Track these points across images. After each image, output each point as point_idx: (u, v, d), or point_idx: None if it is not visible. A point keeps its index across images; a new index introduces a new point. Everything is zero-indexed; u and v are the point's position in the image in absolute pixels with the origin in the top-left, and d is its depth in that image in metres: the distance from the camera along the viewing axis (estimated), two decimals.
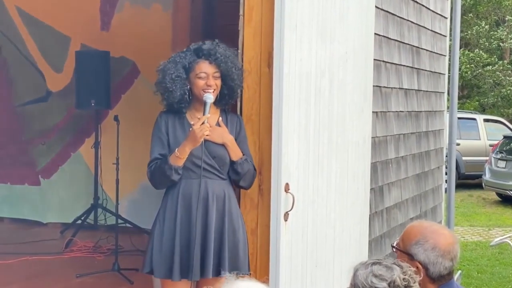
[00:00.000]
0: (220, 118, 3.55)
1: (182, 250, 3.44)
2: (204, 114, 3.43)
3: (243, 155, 3.52)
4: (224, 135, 3.51)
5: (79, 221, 6.67)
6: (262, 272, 3.55)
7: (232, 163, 3.50)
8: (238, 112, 3.63)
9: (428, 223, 2.71)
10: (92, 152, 6.78)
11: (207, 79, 3.48)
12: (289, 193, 3.50)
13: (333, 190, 4.05)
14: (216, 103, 3.54)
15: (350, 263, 2.37)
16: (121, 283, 5.29)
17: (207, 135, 3.43)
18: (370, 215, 4.76)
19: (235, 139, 3.54)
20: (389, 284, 2.20)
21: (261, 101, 3.59)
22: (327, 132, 3.93)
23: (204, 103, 3.45)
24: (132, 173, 6.27)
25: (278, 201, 3.46)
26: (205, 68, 3.49)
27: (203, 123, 3.40)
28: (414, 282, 2.24)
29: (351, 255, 4.28)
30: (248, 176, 3.53)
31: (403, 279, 2.21)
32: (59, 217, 7.09)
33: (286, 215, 3.50)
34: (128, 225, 6.50)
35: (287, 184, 3.49)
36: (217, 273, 3.45)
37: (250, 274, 3.51)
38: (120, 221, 6.11)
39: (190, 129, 3.43)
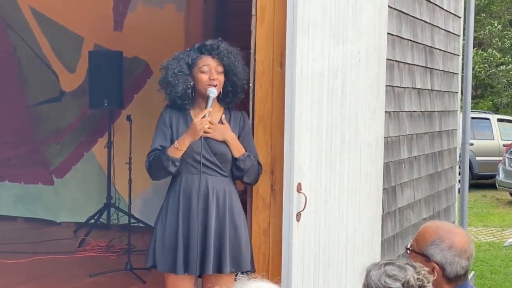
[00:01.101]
0: (223, 116, 3.58)
1: (184, 246, 3.48)
2: (206, 108, 3.47)
3: (246, 151, 3.53)
4: (225, 132, 3.53)
5: (92, 221, 6.69)
6: (274, 272, 3.55)
7: (235, 159, 3.52)
8: (250, 112, 3.63)
9: (442, 223, 2.70)
10: (105, 152, 6.80)
11: (210, 73, 3.51)
12: (302, 193, 3.49)
13: (345, 190, 4.04)
14: (220, 100, 3.57)
15: (363, 263, 2.37)
16: (133, 283, 5.31)
17: (208, 132, 3.47)
18: (382, 215, 4.75)
19: (239, 135, 3.57)
20: (403, 284, 2.19)
21: (274, 101, 3.59)
22: (339, 132, 3.92)
23: (207, 97, 3.49)
24: (145, 172, 6.21)
25: (291, 201, 3.46)
26: (208, 61, 3.53)
27: (204, 116, 3.43)
28: (428, 282, 2.23)
29: (364, 255, 4.27)
30: (252, 172, 3.55)
31: (417, 279, 2.21)
32: (72, 217, 7.12)
33: (298, 215, 3.49)
34: (140, 224, 6.52)
35: (299, 184, 3.49)
36: (219, 269, 3.48)
37: (255, 271, 3.54)
38: (132, 220, 6.13)
39: (192, 122, 3.47)
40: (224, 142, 3.52)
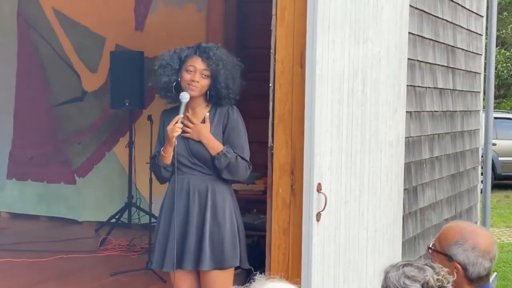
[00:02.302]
0: (207, 114, 3.64)
1: (164, 243, 3.63)
2: (178, 113, 3.56)
3: (223, 149, 3.61)
4: (201, 132, 3.62)
5: (114, 220, 6.73)
6: (294, 272, 3.54)
7: (212, 158, 3.61)
8: (270, 112, 3.63)
9: (465, 223, 2.68)
10: (126, 152, 6.84)
11: (193, 74, 3.56)
12: (322, 193, 3.49)
13: (366, 190, 4.03)
14: (208, 98, 3.66)
15: (383, 264, 2.36)
16: (154, 282, 5.33)
17: (187, 132, 3.59)
18: (403, 215, 4.72)
19: (223, 132, 3.64)
20: (422, 285, 2.18)
21: (294, 101, 3.58)
22: (360, 132, 3.91)
23: (180, 103, 3.57)
24: None
25: (310, 201, 3.45)
26: (196, 63, 3.60)
27: (176, 122, 3.53)
28: (448, 283, 2.22)
29: (384, 256, 4.25)
30: (230, 169, 3.63)
31: (437, 279, 2.19)
32: (94, 216, 7.17)
33: (318, 215, 3.48)
34: None
35: (319, 184, 3.48)
36: (197, 265, 3.62)
37: (249, 267, 3.66)
38: (153, 220, 6.15)
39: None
40: (201, 142, 3.61)
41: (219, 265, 3.62)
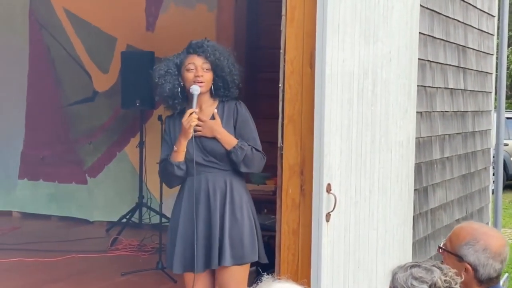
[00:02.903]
0: (216, 110, 3.62)
1: (188, 245, 3.57)
2: (192, 107, 3.53)
3: (237, 142, 3.59)
4: (213, 128, 3.59)
5: (124, 220, 6.75)
6: (304, 273, 3.54)
7: (228, 153, 3.59)
8: (280, 112, 3.63)
9: (478, 224, 2.67)
10: (137, 152, 6.86)
11: (195, 70, 3.56)
12: (331, 193, 3.48)
13: (376, 190, 4.02)
14: (214, 95, 3.64)
15: (394, 264, 2.35)
16: (164, 282, 5.34)
17: (199, 130, 3.55)
18: (414, 216, 4.71)
19: (234, 126, 3.63)
20: (430, 286, 2.17)
21: (303, 101, 3.58)
22: (370, 133, 3.90)
23: (191, 96, 3.55)
24: None
25: (320, 202, 3.45)
26: (193, 60, 3.59)
27: (190, 114, 3.49)
28: (456, 284, 2.21)
29: (395, 256, 4.24)
30: (247, 162, 3.62)
31: (445, 280, 2.19)
32: (105, 216, 7.20)
33: (328, 216, 3.48)
34: None
35: (329, 184, 3.48)
36: (220, 263, 3.58)
37: (267, 262, 3.65)
38: (164, 220, 6.16)
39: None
40: (214, 138, 3.59)
41: (239, 260, 3.60)
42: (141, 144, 6.75)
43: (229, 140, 3.59)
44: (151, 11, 7.12)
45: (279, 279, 1.72)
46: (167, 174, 3.64)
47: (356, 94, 3.73)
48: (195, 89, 3.55)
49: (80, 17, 7.33)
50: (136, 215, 6.86)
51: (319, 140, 3.45)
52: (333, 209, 3.48)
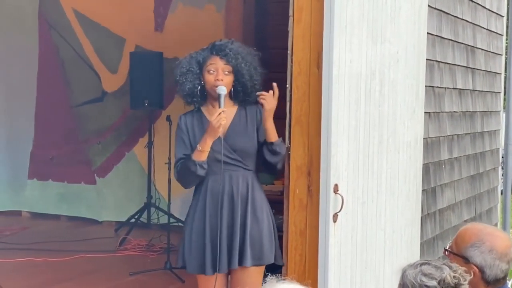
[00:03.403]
0: (275, 84, 3.55)
1: (213, 246, 3.52)
2: (219, 107, 3.49)
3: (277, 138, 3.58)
4: (272, 110, 3.54)
5: (133, 220, 6.77)
6: (311, 273, 3.55)
7: (271, 144, 3.55)
8: (287, 113, 3.64)
9: (482, 225, 2.67)
10: (145, 152, 6.88)
11: (216, 73, 3.54)
12: (338, 194, 3.48)
13: (383, 191, 4.02)
14: (233, 99, 3.61)
15: (401, 265, 2.36)
16: (173, 282, 5.36)
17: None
18: (422, 216, 4.70)
19: (257, 128, 3.60)
20: (439, 282, 2.18)
21: (311, 102, 3.58)
22: (377, 133, 3.90)
23: (218, 96, 3.52)
24: None
25: (327, 202, 3.46)
26: (215, 62, 3.57)
27: (219, 114, 3.45)
28: (465, 281, 2.22)
29: (402, 257, 4.23)
30: (282, 158, 3.61)
31: (454, 277, 2.19)
32: (114, 216, 7.22)
33: (335, 216, 3.48)
34: (180, 224, 6.55)
35: (336, 185, 3.48)
36: (241, 263, 3.53)
37: (283, 265, 3.60)
38: (172, 220, 6.19)
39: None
40: (242, 137, 3.57)
41: (258, 261, 3.56)
42: (150, 144, 6.77)
43: (275, 131, 3.57)
44: (160, 11, 7.13)
45: (284, 279, 1.73)
46: (188, 174, 3.55)
47: (364, 95, 3.73)
48: (222, 89, 3.51)
49: (89, 17, 7.35)
50: (145, 215, 6.88)
51: (326, 141, 3.46)
52: (340, 209, 3.49)
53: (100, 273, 5.62)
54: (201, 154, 3.50)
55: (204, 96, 3.62)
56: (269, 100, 3.54)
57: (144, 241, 6.43)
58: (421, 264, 2.25)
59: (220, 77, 3.54)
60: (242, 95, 3.62)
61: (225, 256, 3.52)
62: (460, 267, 2.26)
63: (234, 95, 3.61)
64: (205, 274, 3.54)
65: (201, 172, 3.51)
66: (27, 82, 7.59)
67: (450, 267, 2.23)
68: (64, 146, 7.52)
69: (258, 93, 3.56)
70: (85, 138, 7.47)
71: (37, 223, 7.27)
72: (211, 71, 3.56)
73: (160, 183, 6.60)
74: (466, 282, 2.21)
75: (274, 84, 3.55)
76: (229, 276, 3.66)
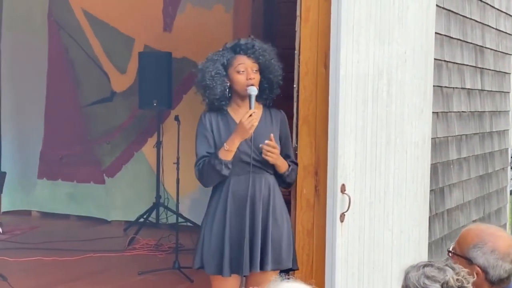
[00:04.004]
0: (272, 135, 3.50)
1: (232, 247, 3.47)
2: (250, 108, 3.44)
3: (288, 163, 3.53)
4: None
5: (142, 219, 6.79)
6: (318, 273, 3.55)
7: (280, 175, 3.52)
8: (295, 113, 3.64)
9: (485, 225, 2.66)
10: (154, 152, 6.90)
11: (246, 73, 3.49)
12: (346, 194, 3.49)
13: (391, 191, 4.02)
14: (257, 98, 3.53)
15: (409, 265, 2.35)
16: (181, 281, 5.37)
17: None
18: (430, 217, 4.70)
19: (280, 137, 3.55)
20: (442, 285, 2.18)
21: (318, 102, 3.59)
22: (385, 133, 3.90)
23: (249, 96, 3.47)
24: (193, 172, 6.35)
25: (334, 202, 3.46)
26: (244, 61, 3.50)
27: (250, 115, 3.40)
28: (468, 283, 2.21)
29: (410, 257, 4.23)
30: (295, 179, 3.59)
31: (457, 279, 2.19)
32: (123, 215, 7.24)
33: (342, 216, 3.49)
34: (189, 224, 6.59)
35: (343, 185, 3.48)
36: (261, 268, 3.48)
37: (298, 269, 3.55)
38: (181, 219, 6.20)
39: (239, 122, 3.44)
40: (269, 139, 3.50)
41: (277, 265, 3.50)
42: (158, 144, 6.79)
43: (284, 163, 3.53)
44: (169, 12, 7.15)
45: (288, 278, 1.73)
46: (211, 172, 3.46)
47: (371, 95, 3.73)
48: (253, 90, 3.46)
49: (98, 18, 7.38)
50: (153, 214, 6.90)
51: (333, 141, 3.46)
52: (348, 209, 3.49)
53: (108, 273, 5.64)
54: (228, 154, 3.43)
55: (229, 97, 3.56)
56: (275, 156, 3.49)
57: (153, 240, 6.45)
58: (424, 266, 2.24)
59: (251, 76, 3.48)
60: (267, 92, 3.57)
61: (247, 259, 3.47)
62: (463, 269, 2.26)
63: (259, 94, 3.53)
64: (223, 275, 3.48)
65: (226, 172, 3.44)
66: (37, 82, 7.62)
67: (454, 269, 2.23)
68: (73, 146, 7.55)
69: (261, 145, 3.46)
70: (94, 138, 7.50)
71: (47, 223, 7.30)
72: (241, 71, 3.50)
73: (169, 183, 6.62)
74: (470, 284, 2.21)
75: (271, 135, 3.47)
76: (243, 278, 3.61)
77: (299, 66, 3.63)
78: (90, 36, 7.46)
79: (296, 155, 3.64)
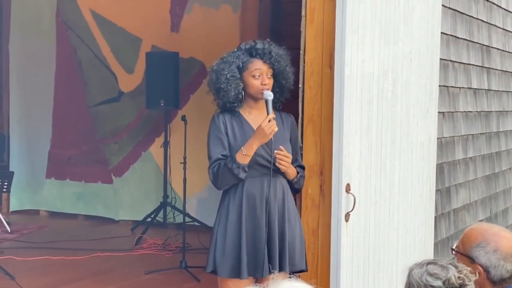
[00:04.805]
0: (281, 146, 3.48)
1: (249, 249, 3.44)
2: (268, 112, 3.40)
3: (297, 169, 3.51)
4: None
5: (149, 219, 6.82)
6: (323, 272, 3.57)
7: (289, 182, 3.50)
8: (300, 113, 3.65)
9: (489, 225, 2.67)
10: (161, 151, 6.93)
11: (261, 78, 3.46)
12: (350, 193, 3.50)
13: (396, 191, 4.02)
14: None
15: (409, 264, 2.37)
16: (188, 280, 5.39)
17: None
18: (436, 216, 4.70)
19: (290, 139, 3.53)
20: (444, 283, 2.19)
21: (323, 102, 3.60)
22: (390, 133, 3.91)
23: (265, 101, 3.43)
24: (201, 172, 6.33)
25: (339, 202, 3.47)
26: (260, 67, 3.46)
27: (269, 120, 3.37)
28: (470, 281, 2.23)
29: (416, 256, 4.23)
30: (301, 184, 3.57)
31: (458, 277, 2.20)
32: (130, 215, 7.28)
33: (347, 216, 3.50)
34: (196, 223, 6.61)
35: (348, 184, 3.50)
36: (279, 270, 3.43)
37: (307, 271, 3.54)
38: (188, 219, 6.22)
39: (258, 127, 3.41)
40: (283, 144, 3.47)
41: (292, 268, 3.47)
42: (166, 144, 6.82)
43: (293, 170, 3.50)
44: (176, 12, 7.18)
45: (289, 277, 1.74)
46: (228, 175, 3.41)
47: (376, 95, 3.74)
48: (269, 95, 3.43)
49: (106, 18, 7.41)
50: (161, 214, 6.92)
51: (338, 141, 3.47)
52: (353, 209, 3.50)
53: (116, 272, 5.67)
54: (246, 158, 3.39)
55: (244, 98, 3.52)
56: (287, 165, 3.46)
57: (160, 240, 6.48)
58: (428, 264, 2.26)
59: (266, 81, 3.45)
60: (278, 96, 3.54)
61: (266, 261, 3.43)
62: (466, 267, 2.27)
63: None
64: (241, 278, 3.42)
65: (243, 175, 3.40)
66: (45, 82, 7.66)
67: (456, 267, 2.24)
68: (81, 146, 7.59)
69: (275, 152, 3.43)
70: (102, 138, 7.53)
71: (55, 222, 7.34)
72: (257, 76, 3.46)
73: (176, 183, 6.64)
74: (471, 282, 2.22)
75: (281, 147, 3.44)
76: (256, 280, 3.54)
77: (304, 66, 3.64)
78: (98, 36, 7.50)
79: (301, 155, 3.65)
